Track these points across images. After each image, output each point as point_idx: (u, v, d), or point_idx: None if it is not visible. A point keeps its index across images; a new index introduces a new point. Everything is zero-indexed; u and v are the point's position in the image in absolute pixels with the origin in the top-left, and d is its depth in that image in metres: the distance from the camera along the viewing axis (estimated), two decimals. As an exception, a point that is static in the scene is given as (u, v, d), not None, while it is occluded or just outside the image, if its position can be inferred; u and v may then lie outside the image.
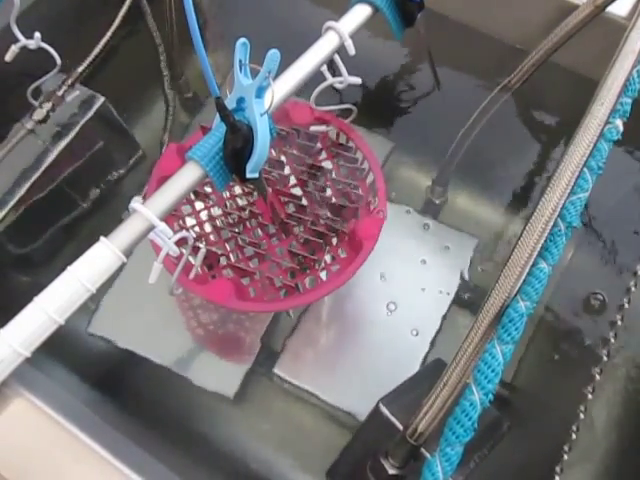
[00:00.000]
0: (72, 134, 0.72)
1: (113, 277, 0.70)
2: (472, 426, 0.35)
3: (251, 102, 0.41)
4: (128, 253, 0.40)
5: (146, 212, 0.40)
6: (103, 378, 0.67)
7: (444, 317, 0.70)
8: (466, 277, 0.72)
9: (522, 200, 0.77)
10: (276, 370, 0.67)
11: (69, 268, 0.38)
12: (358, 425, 0.58)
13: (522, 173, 0.78)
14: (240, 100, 0.42)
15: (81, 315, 0.69)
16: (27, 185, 0.69)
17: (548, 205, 0.40)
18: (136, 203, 0.40)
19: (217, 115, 0.43)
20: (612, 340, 0.58)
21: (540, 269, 0.40)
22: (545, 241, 0.40)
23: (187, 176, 0.42)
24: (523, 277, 0.39)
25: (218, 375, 0.67)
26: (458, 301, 0.71)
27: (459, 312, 0.71)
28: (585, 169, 0.44)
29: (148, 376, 0.67)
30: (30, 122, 0.69)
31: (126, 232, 0.40)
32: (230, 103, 0.42)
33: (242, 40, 0.41)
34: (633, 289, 0.59)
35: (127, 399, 0.65)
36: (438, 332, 0.69)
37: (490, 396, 0.36)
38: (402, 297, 0.71)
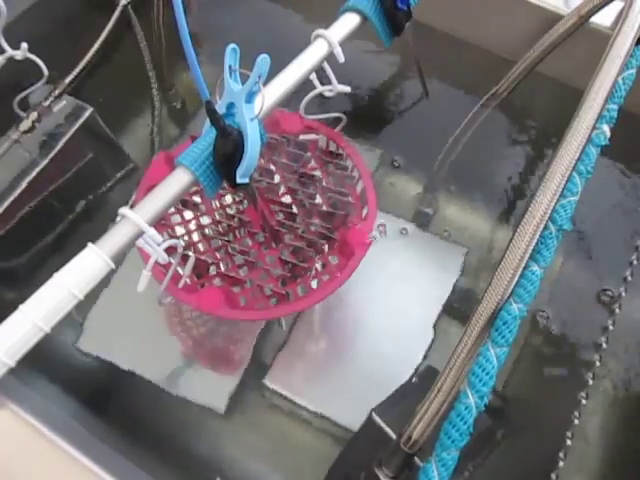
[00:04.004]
0: (59, 145, 0.72)
1: (100, 290, 0.70)
2: (468, 430, 0.35)
3: (241, 107, 0.41)
4: (117, 260, 0.39)
5: (135, 217, 0.39)
6: (91, 393, 0.66)
7: (435, 326, 0.69)
8: (457, 286, 0.72)
9: (511, 207, 0.78)
10: (267, 382, 0.66)
11: (56, 275, 0.37)
12: (350, 437, 0.57)
13: (510, 180, 0.79)
14: (230, 105, 0.42)
15: (69, 329, 0.68)
16: (12, 197, 0.69)
17: (539, 208, 0.40)
18: (125, 208, 0.40)
19: (207, 121, 0.43)
20: (604, 345, 0.58)
21: (532, 272, 0.40)
22: (537, 244, 0.41)
23: (177, 181, 0.42)
24: (516, 280, 0.39)
25: (208, 389, 0.66)
26: (449, 310, 0.71)
27: (450, 321, 0.70)
28: (574, 173, 0.44)
29: (137, 390, 0.66)
30: (16, 133, 0.68)
31: (114, 238, 0.39)
32: (220, 108, 0.42)
33: (232, 46, 0.41)
34: (624, 294, 0.59)
35: (116, 414, 0.64)
36: (430, 341, 0.69)
37: (485, 399, 0.36)
38: (393, 307, 0.71)
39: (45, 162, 0.71)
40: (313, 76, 0.57)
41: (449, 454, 0.35)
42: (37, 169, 0.70)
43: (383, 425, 0.49)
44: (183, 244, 0.56)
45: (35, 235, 0.74)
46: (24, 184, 0.69)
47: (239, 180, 0.42)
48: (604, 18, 0.65)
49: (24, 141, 0.70)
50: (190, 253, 0.56)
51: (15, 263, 0.72)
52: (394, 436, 0.47)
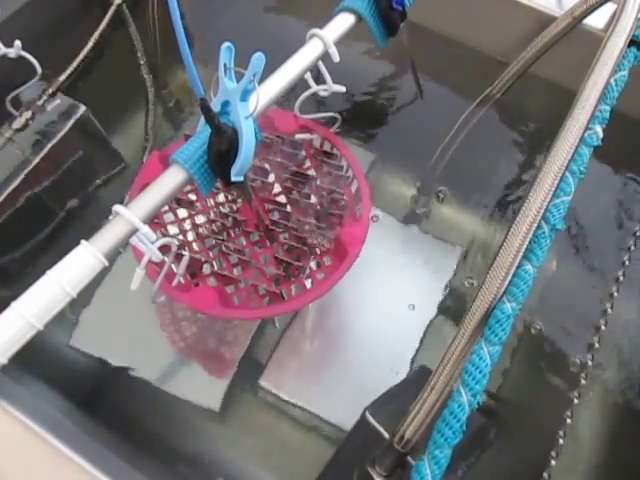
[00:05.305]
0: (52, 143, 0.71)
1: (94, 290, 0.69)
2: (461, 428, 0.35)
3: (236, 105, 0.41)
4: (110, 257, 0.39)
5: (129, 215, 0.39)
6: (84, 392, 0.66)
7: (428, 326, 0.70)
8: (450, 286, 0.72)
9: (505, 207, 0.78)
10: (261, 382, 0.66)
11: (49, 272, 0.37)
12: (344, 437, 0.57)
13: (504, 181, 0.79)
14: (225, 104, 0.42)
15: (62, 328, 0.68)
16: (4, 195, 0.68)
17: (532, 207, 0.41)
18: (119, 206, 0.40)
19: (201, 118, 0.43)
20: (596, 345, 0.58)
21: (525, 270, 0.40)
22: (530, 243, 0.41)
23: (171, 179, 0.42)
24: (509, 279, 0.39)
25: (202, 388, 0.66)
26: (442, 310, 0.71)
27: (443, 321, 0.71)
28: (567, 173, 0.44)
29: (130, 389, 0.66)
30: (9, 131, 0.68)
31: (108, 235, 0.39)
32: (215, 106, 0.42)
33: (227, 44, 0.41)
34: (616, 294, 0.60)
35: (109, 413, 0.64)
36: (422, 341, 0.69)
37: (478, 398, 0.36)
38: (386, 307, 0.71)
39: (37, 160, 0.70)
40: (308, 75, 0.57)
41: (442, 452, 0.35)
42: (29, 167, 0.70)
43: (376, 424, 0.49)
44: (177, 243, 0.56)
45: (27, 233, 0.73)
46: (16, 182, 0.69)
47: (234, 178, 0.42)
48: (597, 20, 0.65)
49: (17, 139, 0.70)
50: (184, 252, 0.56)
51: (6, 260, 0.72)
52: (387, 435, 0.47)
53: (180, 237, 0.61)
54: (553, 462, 0.55)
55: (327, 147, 0.66)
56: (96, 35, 0.79)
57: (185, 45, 0.37)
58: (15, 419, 0.40)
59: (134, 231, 0.40)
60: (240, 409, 0.66)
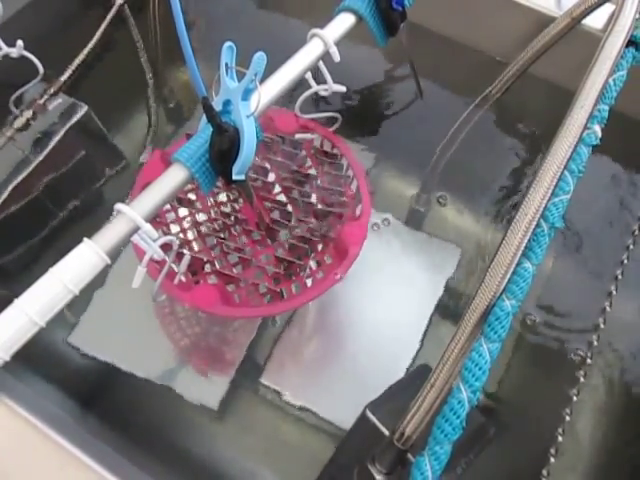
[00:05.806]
0: (53, 143, 0.72)
1: (94, 289, 0.70)
2: (460, 424, 0.35)
3: (237, 104, 0.41)
4: (112, 255, 0.39)
5: (131, 213, 0.39)
6: (85, 390, 0.66)
7: (428, 326, 0.70)
8: (450, 286, 0.72)
9: (504, 206, 0.78)
10: (261, 380, 0.66)
11: (51, 269, 0.37)
12: (344, 435, 0.57)
13: (504, 181, 0.79)
14: (226, 103, 0.43)
15: (63, 327, 0.68)
16: (5, 194, 0.69)
17: (531, 205, 0.41)
18: (121, 204, 0.40)
19: (203, 118, 0.44)
20: (595, 343, 0.59)
21: (525, 268, 0.40)
22: (529, 241, 0.41)
23: (173, 178, 0.42)
24: (508, 276, 0.39)
25: (201, 387, 0.66)
26: (442, 310, 0.71)
27: (443, 321, 0.71)
28: (566, 172, 0.45)
29: (130, 387, 0.66)
30: (10, 130, 0.68)
31: (110, 233, 0.39)
32: (216, 105, 0.42)
33: (228, 43, 0.41)
34: (614, 292, 0.60)
35: (110, 412, 0.64)
36: (422, 341, 0.69)
37: (478, 394, 0.36)
38: (386, 306, 0.71)
39: (38, 160, 0.71)
40: (309, 75, 0.58)
41: (442, 448, 0.35)
42: (30, 167, 0.70)
43: (376, 422, 0.49)
44: (178, 242, 0.56)
45: (27, 232, 0.74)
46: (17, 182, 0.69)
47: (235, 177, 0.42)
48: (596, 20, 0.66)
49: (18, 139, 0.70)
50: (185, 251, 0.56)
51: (7, 260, 0.72)
52: (387, 432, 0.47)
53: (181, 235, 0.61)
54: (552, 460, 0.55)
55: (327, 147, 0.66)
56: (98, 35, 0.80)
57: (187, 44, 0.37)
58: (18, 416, 0.41)
59: (136, 229, 0.40)
60: (240, 408, 0.66)
